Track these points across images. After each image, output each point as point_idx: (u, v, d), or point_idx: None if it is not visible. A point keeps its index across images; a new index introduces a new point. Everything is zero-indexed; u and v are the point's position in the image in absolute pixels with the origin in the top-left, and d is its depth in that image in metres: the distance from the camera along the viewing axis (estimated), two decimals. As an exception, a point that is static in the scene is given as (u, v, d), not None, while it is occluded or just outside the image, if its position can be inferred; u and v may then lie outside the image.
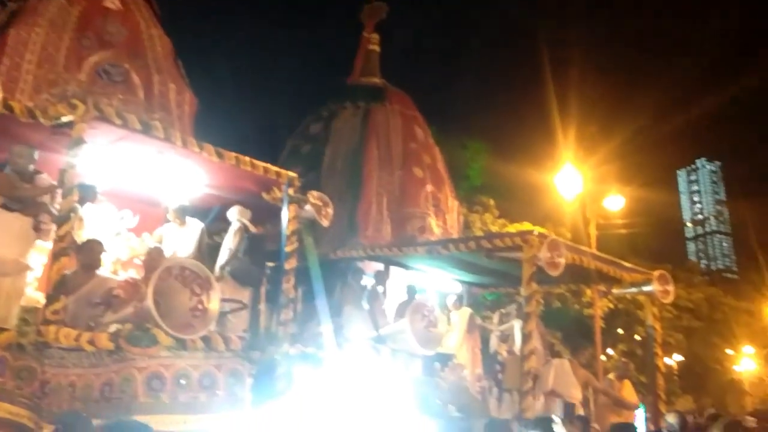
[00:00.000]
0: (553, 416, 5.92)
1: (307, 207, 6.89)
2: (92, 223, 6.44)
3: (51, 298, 5.00)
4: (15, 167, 5.60)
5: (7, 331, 4.89)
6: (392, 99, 11.04)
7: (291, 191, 6.71)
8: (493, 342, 9.61)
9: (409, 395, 6.22)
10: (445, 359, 8.38)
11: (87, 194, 6.16)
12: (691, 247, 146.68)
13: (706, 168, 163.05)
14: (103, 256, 6.10)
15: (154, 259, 6.16)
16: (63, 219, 5.21)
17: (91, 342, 4.86)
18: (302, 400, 5.42)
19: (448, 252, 8.41)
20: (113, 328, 5.11)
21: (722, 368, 30.97)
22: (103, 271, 6.38)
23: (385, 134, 10.50)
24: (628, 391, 8.74)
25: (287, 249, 6.61)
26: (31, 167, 5.72)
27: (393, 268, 9.44)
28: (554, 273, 7.38)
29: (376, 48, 11.76)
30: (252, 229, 7.14)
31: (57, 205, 5.50)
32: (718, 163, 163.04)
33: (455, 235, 10.44)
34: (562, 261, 7.41)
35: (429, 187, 10.25)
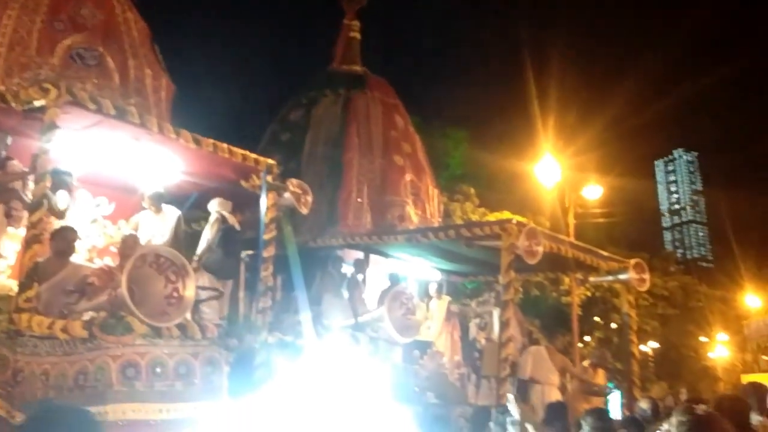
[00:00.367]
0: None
1: (287, 195, 6.84)
2: (69, 211, 6.33)
3: (23, 286, 4.93)
4: (-15, 153, 5.50)
5: (-21, 319, 4.82)
6: (373, 87, 10.96)
7: (270, 178, 6.66)
8: (472, 329, 9.68)
9: (387, 383, 6.23)
10: (424, 347, 8.42)
11: (61, 181, 6.05)
12: (667, 236, 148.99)
13: (683, 158, 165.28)
14: (77, 244, 6.01)
15: (129, 246, 6.09)
16: (35, 205, 5.12)
17: (64, 330, 4.79)
18: (281, 389, 5.39)
19: (427, 240, 8.44)
20: (87, 316, 5.05)
21: (696, 355, 31.62)
22: (79, 258, 6.30)
23: (365, 122, 10.43)
24: (600, 381, 8.88)
25: (266, 237, 6.57)
26: (2, 153, 5.60)
27: (373, 257, 9.44)
28: (532, 261, 7.45)
29: (357, 35, 11.65)
30: (231, 221, 7.06)
31: (29, 191, 5.39)
32: (695, 153, 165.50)
33: (435, 224, 10.45)
34: (540, 249, 7.48)
35: (408, 176, 10.22)
